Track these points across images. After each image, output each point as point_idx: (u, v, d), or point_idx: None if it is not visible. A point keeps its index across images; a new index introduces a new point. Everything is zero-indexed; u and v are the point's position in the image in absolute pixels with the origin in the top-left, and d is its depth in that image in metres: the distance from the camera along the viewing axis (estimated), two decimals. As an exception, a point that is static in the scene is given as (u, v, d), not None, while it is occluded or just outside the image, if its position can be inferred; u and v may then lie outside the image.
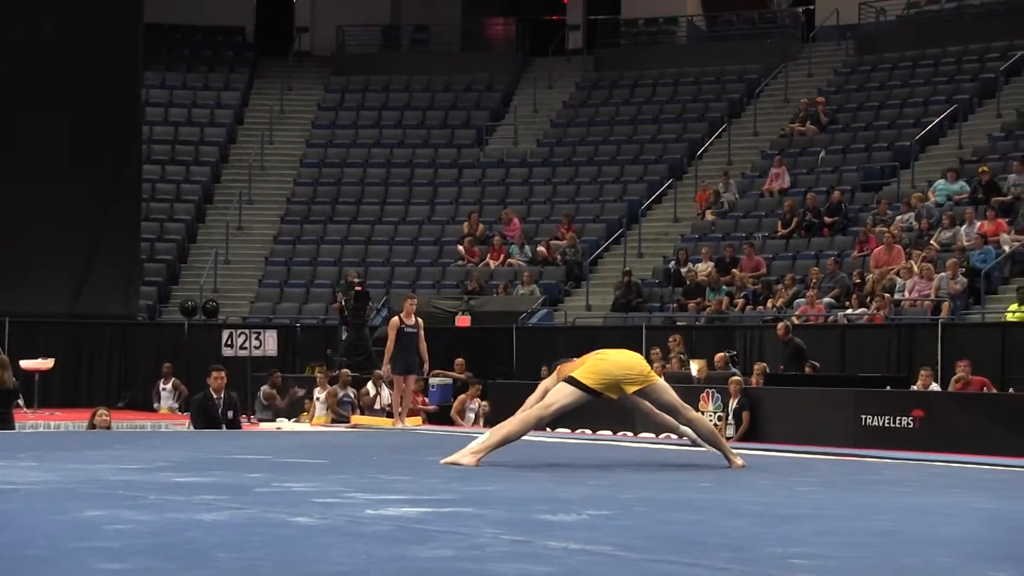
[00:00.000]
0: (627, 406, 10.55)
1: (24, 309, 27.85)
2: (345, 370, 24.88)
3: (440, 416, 24.54)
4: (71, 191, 29.17)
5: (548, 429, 15.95)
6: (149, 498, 7.28)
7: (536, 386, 11.06)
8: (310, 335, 30.15)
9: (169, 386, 26.82)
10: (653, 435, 16.34)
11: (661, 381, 10.22)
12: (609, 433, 18.12)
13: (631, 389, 9.89)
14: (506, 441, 10.04)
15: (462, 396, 23.83)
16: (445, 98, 40.22)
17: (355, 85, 40.79)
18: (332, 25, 42.14)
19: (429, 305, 30.16)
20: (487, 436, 10.24)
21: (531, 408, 10.21)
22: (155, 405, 26.77)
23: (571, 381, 9.95)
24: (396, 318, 19.57)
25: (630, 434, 17.79)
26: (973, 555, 5.82)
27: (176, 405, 26.54)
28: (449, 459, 9.83)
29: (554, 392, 10.04)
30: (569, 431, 17.56)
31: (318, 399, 23.88)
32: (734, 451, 10.68)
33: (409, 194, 36.64)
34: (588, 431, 18.29)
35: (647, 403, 10.34)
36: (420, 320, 19.78)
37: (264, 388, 25.23)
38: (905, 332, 24.08)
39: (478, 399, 23.38)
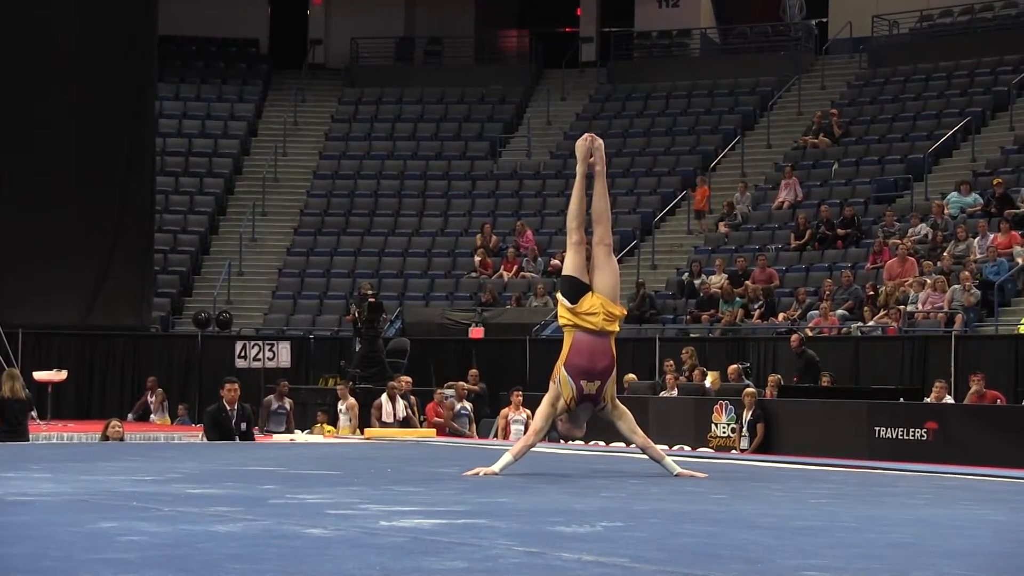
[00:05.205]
0: (608, 419, 10.35)
1: (37, 321, 27.87)
2: (461, 382, 24.69)
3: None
4: (83, 203, 29.20)
5: (562, 441, 15.95)
6: (163, 510, 7.28)
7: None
8: (323, 347, 30.18)
9: (154, 399, 26.68)
10: (666, 446, 16.30)
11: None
12: (622, 445, 18.10)
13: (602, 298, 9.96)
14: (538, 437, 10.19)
15: (505, 411, 22.94)
16: (458, 110, 40.25)
17: (369, 97, 40.83)
18: (346, 37, 42.20)
19: (442, 317, 30.23)
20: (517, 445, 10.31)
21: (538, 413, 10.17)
22: (152, 418, 26.56)
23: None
24: None
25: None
26: (986, 567, 5.81)
27: (157, 418, 26.39)
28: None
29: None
30: (583, 443, 17.55)
31: (341, 410, 23.78)
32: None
33: (423, 206, 36.66)
34: (601, 443, 18.28)
35: (629, 422, 10.22)
36: None
37: (268, 399, 24.28)
38: (918, 344, 24.06)
39: (524, 410, 22.09)
